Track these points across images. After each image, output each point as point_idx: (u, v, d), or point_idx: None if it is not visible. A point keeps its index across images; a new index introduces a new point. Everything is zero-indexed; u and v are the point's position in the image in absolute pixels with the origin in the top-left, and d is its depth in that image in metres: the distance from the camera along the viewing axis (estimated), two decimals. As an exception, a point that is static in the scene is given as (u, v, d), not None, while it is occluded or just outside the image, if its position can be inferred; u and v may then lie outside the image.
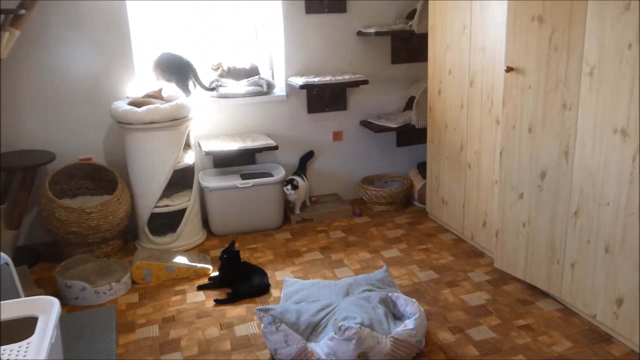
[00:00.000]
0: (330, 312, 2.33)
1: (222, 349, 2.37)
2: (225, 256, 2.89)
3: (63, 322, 2.58)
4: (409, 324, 2.18)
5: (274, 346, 2.20)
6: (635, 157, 2.07)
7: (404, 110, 4.02)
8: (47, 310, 1.98)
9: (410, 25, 3.67)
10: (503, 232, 2.80)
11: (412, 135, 4.08)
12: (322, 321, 2.27)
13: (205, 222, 3.62)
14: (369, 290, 2.52)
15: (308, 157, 3.90)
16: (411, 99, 3.93)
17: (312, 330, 2.24)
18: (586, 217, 2.34)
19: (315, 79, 3.57)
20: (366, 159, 4.12)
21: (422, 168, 3.97)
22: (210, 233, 3.58)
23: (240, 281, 2.81)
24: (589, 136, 2.27)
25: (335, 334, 2.02)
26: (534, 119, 2.52)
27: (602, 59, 2.16)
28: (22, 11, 2.88)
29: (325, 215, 3.76)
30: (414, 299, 2.35)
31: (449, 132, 3.33)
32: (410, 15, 3.78)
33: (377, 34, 3.60)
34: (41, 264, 3.23)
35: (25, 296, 2.57)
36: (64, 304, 2.77)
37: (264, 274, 2.90)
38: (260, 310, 2.24)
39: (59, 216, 3.02)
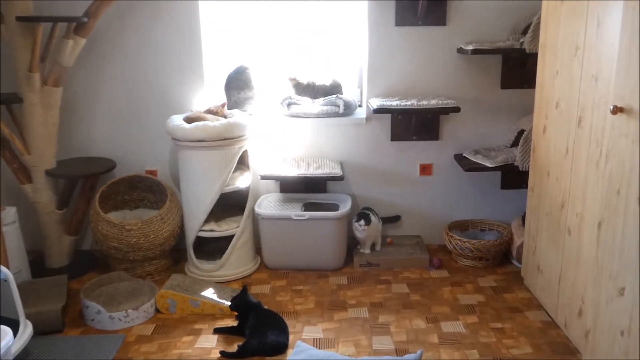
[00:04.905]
0: (318, 406, 1.83)
1: (196, 419, 2.02)
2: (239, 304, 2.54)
3: (66, 344, 2.46)
4: None
5: None
6: None
7: (512, 145, 3.26)
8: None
9: (522, 43, 2.94)
10: (595, 334, 2.01)
11: (521, 177, 3.30)
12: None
13: (261, 252, 3.30)
14: (384, 383, 1.95)
15: (394, 220, 3.43)
16: (520, 133, 3.17)
17: None
18: None
19: (394, 102, 3.03)
20: (460, 200, 3.44)
21: (527, 219, 3.18)
22: (263, 264, 3.26)
23: (254, 334, 2.42)
24: None
25: None
26: (647, 185, 1.73)
27: None
28: (84, 19, 2.85)
29: (396, 262, 3.19)
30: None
31: (550, 181, 2.56)
32: (526, 31, 3.03)
33: (475, 51, 2.94)
34: (91, 273, 3.20)
35: (32, 311, 2.50)
36: (82, 323, 2.66)
37: (284, 330, 2.47)
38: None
39: (101, 229, 2.94)
